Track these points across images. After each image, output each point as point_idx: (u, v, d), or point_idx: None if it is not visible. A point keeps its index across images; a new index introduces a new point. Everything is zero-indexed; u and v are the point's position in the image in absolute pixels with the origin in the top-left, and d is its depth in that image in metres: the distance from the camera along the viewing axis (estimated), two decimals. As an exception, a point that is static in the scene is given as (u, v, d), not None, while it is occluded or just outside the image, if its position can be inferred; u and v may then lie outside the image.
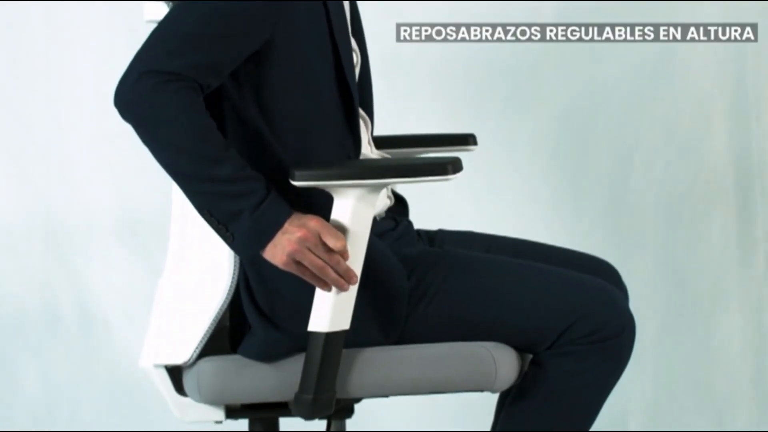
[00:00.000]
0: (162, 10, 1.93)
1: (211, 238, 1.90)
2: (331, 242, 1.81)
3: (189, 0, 1.84)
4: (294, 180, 1.82)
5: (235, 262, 1.92)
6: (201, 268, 1.94)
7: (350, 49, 2.00)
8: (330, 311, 1.84)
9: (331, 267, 1.82)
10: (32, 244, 3.49)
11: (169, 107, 1.79)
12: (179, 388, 1.98)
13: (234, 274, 1.92)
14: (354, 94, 1.98)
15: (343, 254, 1.82)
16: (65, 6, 3.47)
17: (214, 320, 1.92)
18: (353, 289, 1.85)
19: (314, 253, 1.81)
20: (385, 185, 1.85)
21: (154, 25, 1.97)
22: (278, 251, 1.81)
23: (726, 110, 3.50)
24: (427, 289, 1.94)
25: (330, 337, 1.84)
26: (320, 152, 1.94)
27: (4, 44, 3.48)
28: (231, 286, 1.92)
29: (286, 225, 1.81)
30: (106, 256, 3.50)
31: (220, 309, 1.92)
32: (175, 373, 1.99)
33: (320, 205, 1.87)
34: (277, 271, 1.87)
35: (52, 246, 3.50)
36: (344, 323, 1.86)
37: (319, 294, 1.84)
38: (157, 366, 1.95)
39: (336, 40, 1.95)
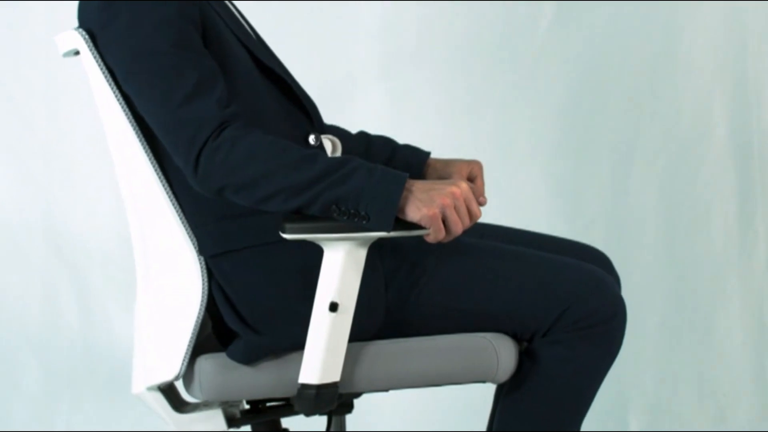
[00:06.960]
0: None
1: (175, 253, 1.91)
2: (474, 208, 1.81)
3: (140, 67, 1.83)
4: (284, 233, 1.81)
5: (203, 270, 1.92)
6: (172, 285, 1.94)
7: (253, 40, 2.00)
8: (320, 364, 1.86)
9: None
10: (33, 242, 3.50)
11: (240, 155, 1.78)
12: (176, 406, 1.99)
13: (204, 282, 1.92)
14: (280, 73, 1.97)
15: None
16: (65, 6, 3.46)
17: (194, 330, 1.92)
18: (343, 343, 1.87)
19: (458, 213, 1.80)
20: (372, 239, 1.85)
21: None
22: (425, 204, 1.79)
23: (726, 108, 3.50)
24: (420, 275, 1.93)
25: (321, 389, 1.87)
26: None
27: (4, 44, 3.48)
28: (204, 295, 1.92)
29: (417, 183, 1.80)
30: (106, 254, 3.51)
31: (198, 318, 1.91)
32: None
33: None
34: (247, 281, 1.89)
35: (52, 245, 3.51)
36: (335, 375, 1.88)
37: (310, 347, 1.86)
38: (149, 389, 1.96)
39: (236, 34, 1.95)
